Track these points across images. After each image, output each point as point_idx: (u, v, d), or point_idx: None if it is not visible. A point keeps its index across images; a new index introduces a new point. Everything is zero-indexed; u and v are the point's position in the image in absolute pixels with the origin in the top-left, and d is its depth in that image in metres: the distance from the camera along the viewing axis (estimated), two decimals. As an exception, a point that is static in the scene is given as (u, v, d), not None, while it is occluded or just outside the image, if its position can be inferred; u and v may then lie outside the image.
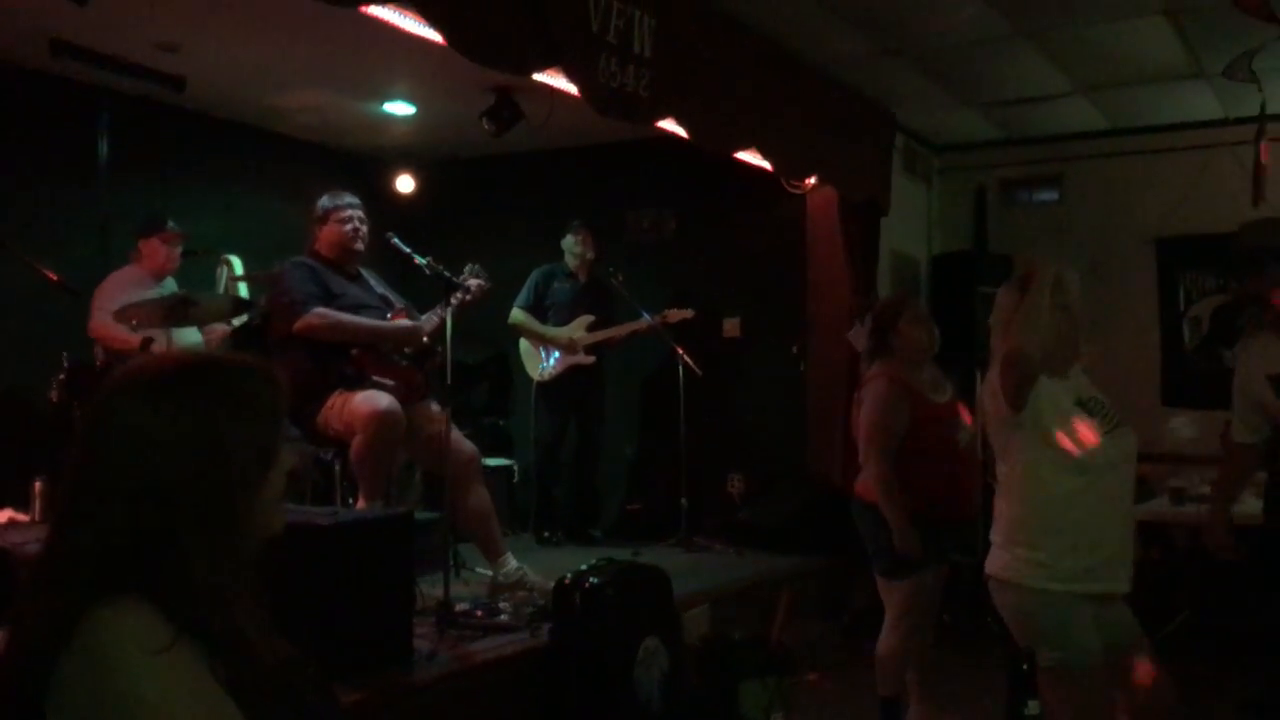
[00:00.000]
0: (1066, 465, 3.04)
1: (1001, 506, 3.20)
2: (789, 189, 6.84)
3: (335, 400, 4.54)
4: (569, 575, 4.11)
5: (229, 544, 1.44)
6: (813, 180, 6.72)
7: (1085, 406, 3.10)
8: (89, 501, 1.41)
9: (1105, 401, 3.17)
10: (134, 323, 4.96)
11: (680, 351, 6.38)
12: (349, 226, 4.77)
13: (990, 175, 7.97)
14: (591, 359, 6.68)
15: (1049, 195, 7.85)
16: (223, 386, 1.49)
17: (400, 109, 6.90)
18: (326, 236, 4.79)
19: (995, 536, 3.19)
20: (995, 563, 3.16)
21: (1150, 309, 7.38)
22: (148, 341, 5.06)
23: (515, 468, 7.12)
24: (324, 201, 4.83)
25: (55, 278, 4.04)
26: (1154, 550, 5.86)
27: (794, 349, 7.06)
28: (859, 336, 4.46)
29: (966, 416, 4.26)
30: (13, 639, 1.39)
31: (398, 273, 5.37)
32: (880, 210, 6.89)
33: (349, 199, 4.85)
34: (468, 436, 5.02)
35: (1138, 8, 5.36)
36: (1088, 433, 3.06)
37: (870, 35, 5.72)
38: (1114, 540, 3.08)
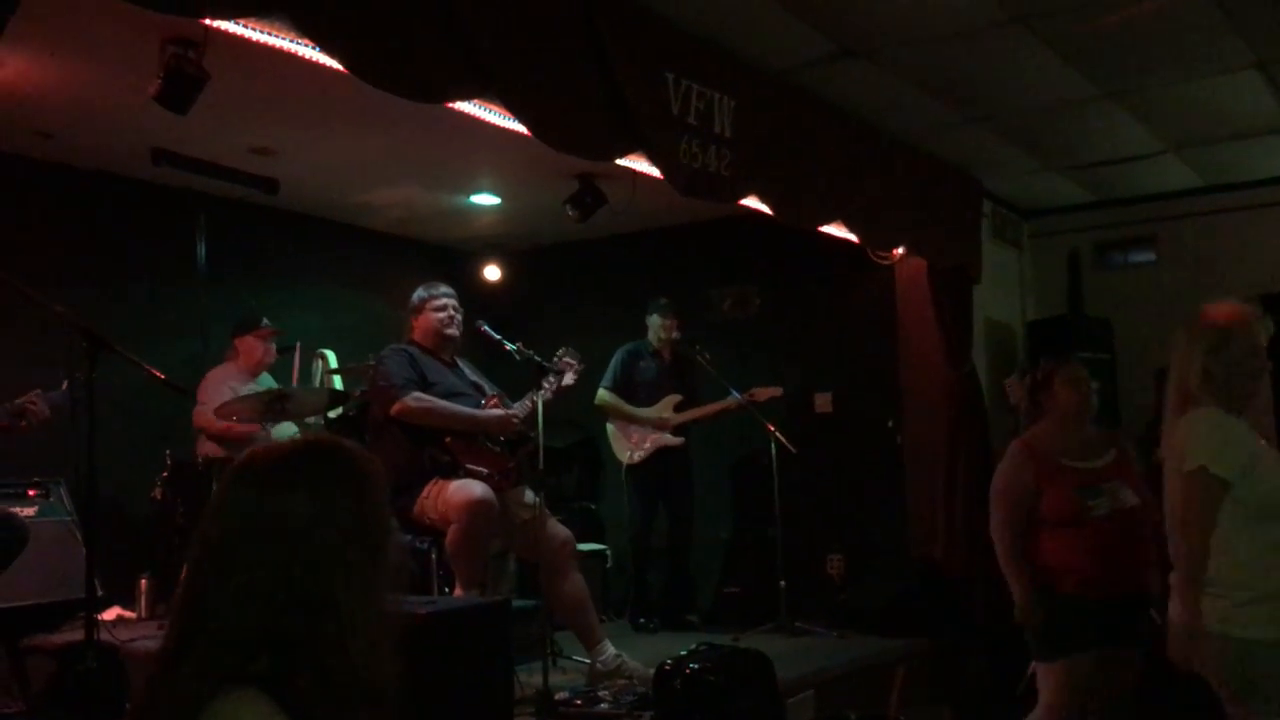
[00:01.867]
0: (1250, 513, 2.88)
1: (1179, 548, 2.99)
2: (876, 260, 6.77)
3: (431, 489, 4.57)
4: (669, 661, 4.03)
5: (377, 612, 1.46)
6: (900, 251, 6.65)
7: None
8: (223, 592, 1.41)
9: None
10: (234, 418, 5.08)
11: (772, 430, 6.29)
12: (443, 314, 4.89)
13: (1083, 238, 7.84)
14: (680, 440, 6.62)
15: (1144, 256, 7.69)
16: (342, 464, 1.51)
17: (486, 200, 7.02)
18: (422, 325, 4.92)
19: (1174, 580, 2.99)
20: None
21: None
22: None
23: (608, 553, 7.04)
24: (420, 292, 4.99)
25: (163, 376, 4.14)
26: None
27: (889, 423, 6.92)
28: (1014, 387, 4.33)
29: (1132, 480, 3.93)
30: None
31: (488, 360, 5.42)
32: (971, 278, 6.77)
33: (443, 289, 4.99)
34: (560, 522, 4.99)
35: (1228, 64, 5.25)
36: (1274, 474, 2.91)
37: (954, 104, 5.68)
38: None
